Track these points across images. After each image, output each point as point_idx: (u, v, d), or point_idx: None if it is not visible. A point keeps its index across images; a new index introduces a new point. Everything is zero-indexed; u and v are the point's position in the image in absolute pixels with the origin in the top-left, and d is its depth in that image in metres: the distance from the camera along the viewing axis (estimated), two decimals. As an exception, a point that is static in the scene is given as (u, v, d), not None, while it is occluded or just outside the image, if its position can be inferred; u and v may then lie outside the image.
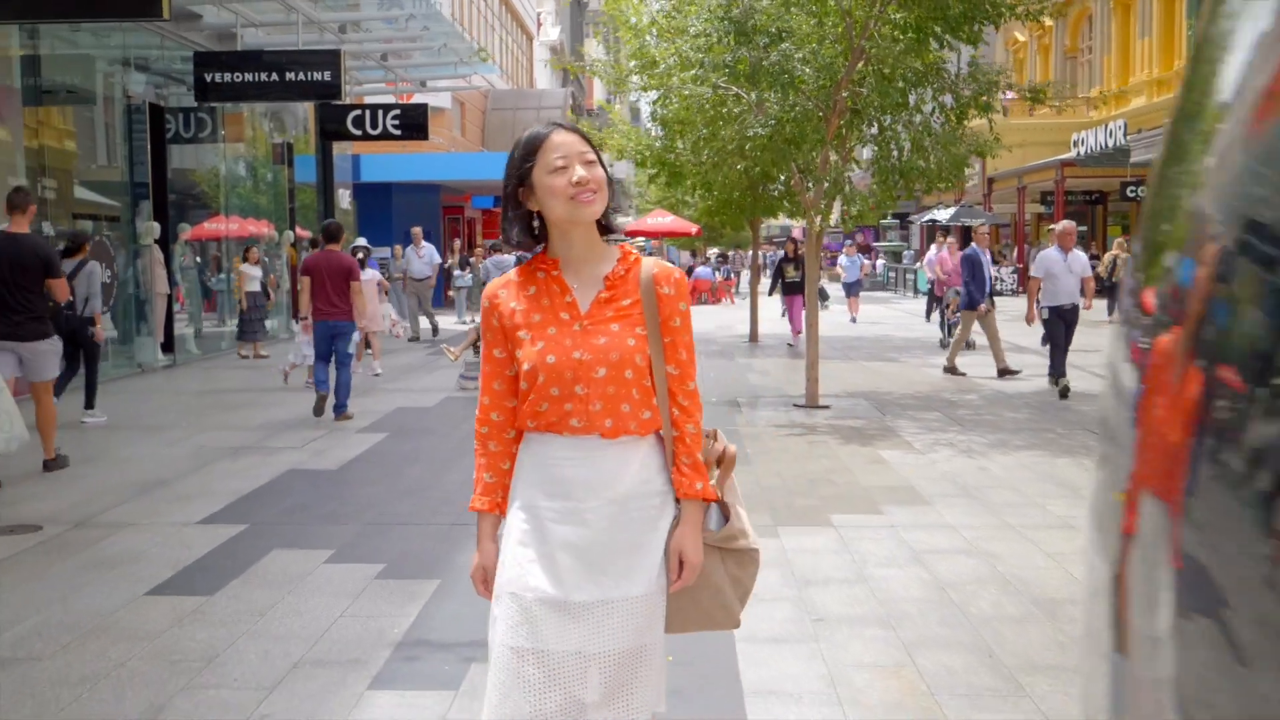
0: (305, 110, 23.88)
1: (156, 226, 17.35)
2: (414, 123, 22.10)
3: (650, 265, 2.80)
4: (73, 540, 6.99)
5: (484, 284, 13.97)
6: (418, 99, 27.37)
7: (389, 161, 29.78)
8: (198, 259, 20.63)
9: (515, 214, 2.77)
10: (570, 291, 2.76)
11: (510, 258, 15.83)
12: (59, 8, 10.34)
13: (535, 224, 2.78)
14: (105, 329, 11.92)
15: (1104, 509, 1.25)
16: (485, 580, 2.85)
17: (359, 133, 22.32)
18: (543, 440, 2.74)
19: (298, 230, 23.63)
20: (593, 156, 2.74)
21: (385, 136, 22.39)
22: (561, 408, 2.70)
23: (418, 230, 23.24)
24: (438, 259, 23.39)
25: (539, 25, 58.67)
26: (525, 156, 2.73)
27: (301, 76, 17.31)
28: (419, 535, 7.09)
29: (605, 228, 2.82)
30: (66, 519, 7.51)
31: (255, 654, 5.00)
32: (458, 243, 34.51)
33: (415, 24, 21.24)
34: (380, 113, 22.20)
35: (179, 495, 8.22)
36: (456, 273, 28.17)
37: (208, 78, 17.24)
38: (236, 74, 17.32)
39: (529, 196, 2.75)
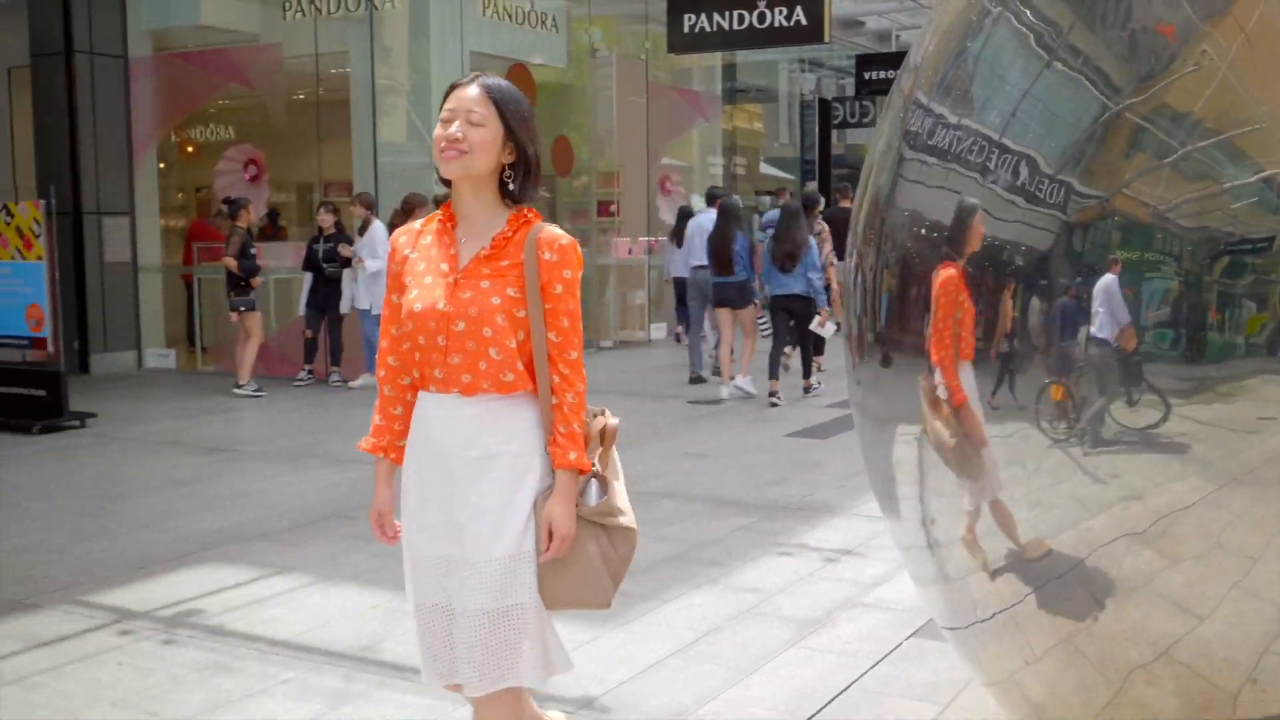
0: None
1: (820, 198, 21.15)
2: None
3: (537, 229, 2.74)
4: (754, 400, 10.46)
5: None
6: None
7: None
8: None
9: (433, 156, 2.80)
10: (456, 244, 2.77)
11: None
12: (747, 39, 13.99)
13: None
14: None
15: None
16: (379, 524, 2.94)
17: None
18: (420, 399, 2.81)
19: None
20: (480, 119, 2.69)
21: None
22: (428, 357, 2.73)
23: None
24: None
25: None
26: (441, 104, 2.79)
27: (944, 69, 20.25)
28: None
29: (512, 194, 2.78)
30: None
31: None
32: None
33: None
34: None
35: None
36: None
37: (867, 75, 20.64)
38: (892, 71, 20.49)
39: None
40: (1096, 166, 2.57)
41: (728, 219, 11.04)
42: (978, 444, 2.71)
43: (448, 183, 2.78)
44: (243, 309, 11.41)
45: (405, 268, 2.82)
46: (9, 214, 9.97)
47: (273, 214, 15.39)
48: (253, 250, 11.45)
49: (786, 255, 10.64)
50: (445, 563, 2.74)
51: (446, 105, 2.72)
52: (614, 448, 2.86)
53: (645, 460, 8.13)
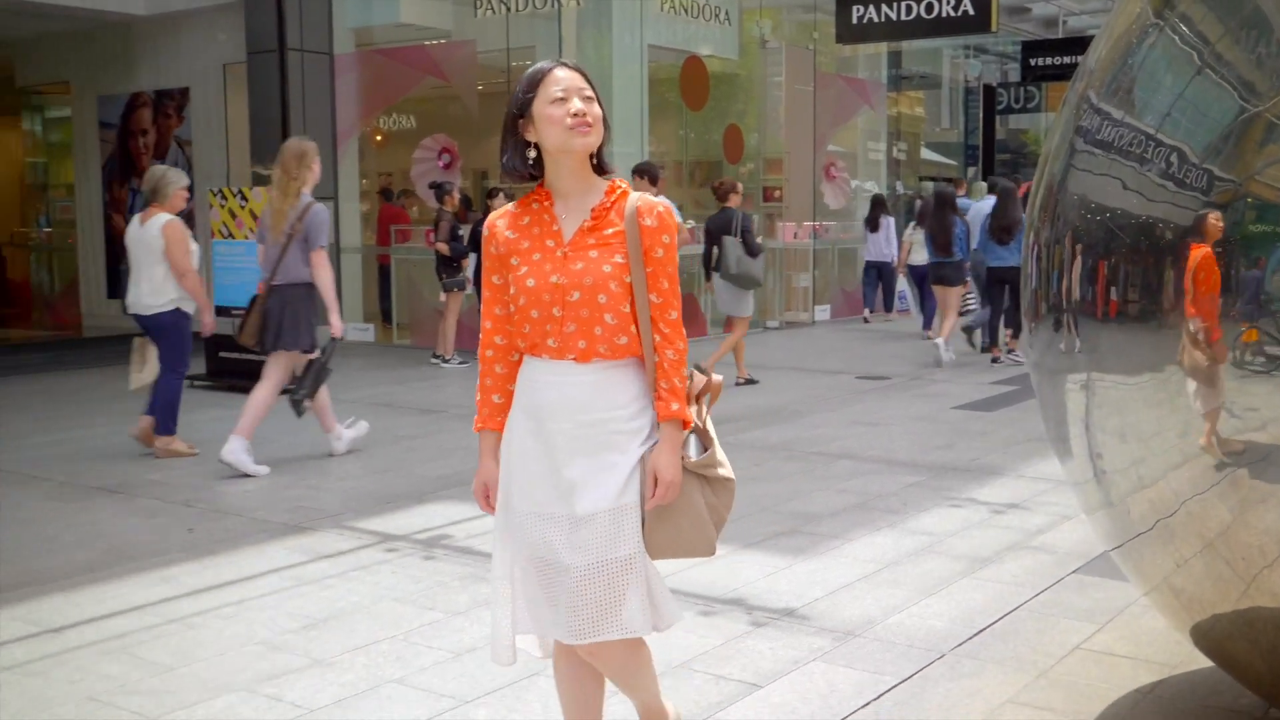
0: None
1: (983, 185, 21.36)
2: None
3: (635, 199, 2.88)
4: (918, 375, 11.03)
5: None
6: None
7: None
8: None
9: (513, 143, 2.89)
10: (558, 221, 2.88)
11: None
12: (915, 29, 14.49)
13: (531, 154, 2.88)
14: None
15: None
16: (485, 495, 3.04)
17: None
18: (530, 364, 2.91)
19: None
20: (591, 94, 2.86)
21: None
22: (542, 329, 2.84)
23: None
24: None
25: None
26: (527, 89, 2.85)
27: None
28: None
29: (600, 167, 2.92)
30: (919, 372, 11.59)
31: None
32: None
33: None
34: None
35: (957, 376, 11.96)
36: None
37: (1033, 61, 20.82)
38: (1058, 57, 20.65)
39: (528, 128, 2.86)
40: (1234, 157, 3.16)
41: (944, 206, 12.42)
42: (1220, 364, 3.18)
43: (531, 177, 2.91)
44: (455, 289, 12.39)
45: (509, 249, 2.93)
46: (244, 199, 11.11)
47: (465, 199, 16.45)
48: (460, 232, 12.41)
49: (1004, 230, 11.98)
50: (549, 520, 2.84)
51: (554, 86, 2.83)
52: (710, 406, 3.04)
53: (821, 426, 8.82)
